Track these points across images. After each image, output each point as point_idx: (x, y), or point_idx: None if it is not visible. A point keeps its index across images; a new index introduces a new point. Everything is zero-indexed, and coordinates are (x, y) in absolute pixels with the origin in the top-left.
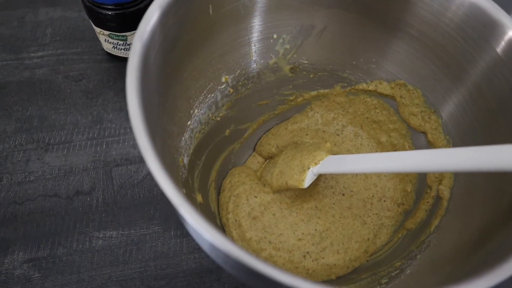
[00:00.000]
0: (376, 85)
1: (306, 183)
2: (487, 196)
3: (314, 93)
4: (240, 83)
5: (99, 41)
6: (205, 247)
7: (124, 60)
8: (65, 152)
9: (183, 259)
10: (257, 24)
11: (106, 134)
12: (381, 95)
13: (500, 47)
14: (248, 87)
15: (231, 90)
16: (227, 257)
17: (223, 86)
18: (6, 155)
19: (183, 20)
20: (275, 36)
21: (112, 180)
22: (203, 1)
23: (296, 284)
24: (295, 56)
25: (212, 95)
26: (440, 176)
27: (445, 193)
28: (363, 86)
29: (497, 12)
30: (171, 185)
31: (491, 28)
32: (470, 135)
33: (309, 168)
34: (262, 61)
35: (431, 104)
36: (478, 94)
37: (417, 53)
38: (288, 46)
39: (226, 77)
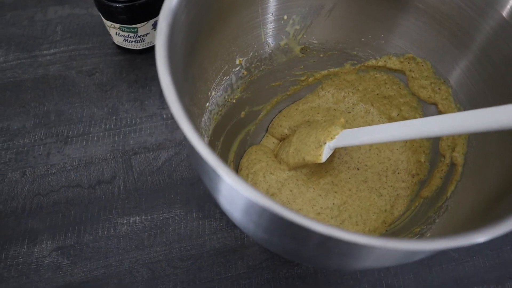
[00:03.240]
0: (385, 61)
1: (324, 158)
2: (500, 156)
3: (324, 72)
4: (253, 65)
5: (109, 35)
6: (238, 209)
7: (134, 53)
8: (84, 144)
9: (206, 240)
10: (267, 6)
11: (122, 125)
12: (390, 70)
13: (505, 11)
14: (261, 69)
15: (245, 72)
16: (264, 211)
17: (237, 69)
18: (27, 150)
19: (201, 2)
20: (285, 17)
21: (131, 168)
22: None
23: (333, 233)
24: (305, 36)
25: (228, 77)
26: (452, 144)
27: (459, 159)
28: (373, 62)
29: None
30: (206, 148)
31: None
32: (481, 101)
33: (325, 143)
34: (273, 42)
35: (440, 75)
36: (486, 59)
37: (425, 25)
38: (298, 27)
39: (240, 59)
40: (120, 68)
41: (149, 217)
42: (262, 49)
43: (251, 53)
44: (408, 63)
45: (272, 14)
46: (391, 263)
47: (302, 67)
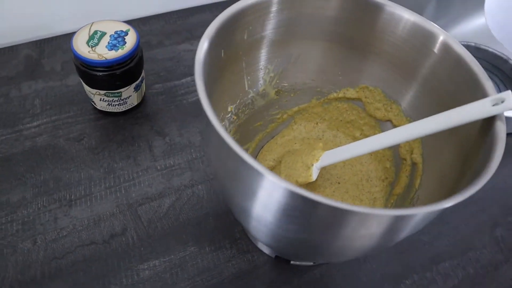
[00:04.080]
0: (344, 92)
1: (314, 176)
2: (448, 146)
3: (295, 108)
4: (240, 110)
5: (89, 102)
6: (275, 207)
7: (116, 115)
8: (88, 204)
9: (223, 268)
10: (250, 59)
11: (121, 181)
12: (349, 99)
13: (436, 48)
14: (246, 112)
15: (235, 117)
16: (301, 198)
17: (229, 115)
18: (33, 219)
19: (209, 61)
20: (262, 68)
21: (140, 218)
22: (218, 46)
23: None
24: (277, 81)
25: (223, 123)
26: (410, 149)
27: (418, 159)
28: (334, 95)
29: (430, 25)
30: (249, 156)
31: (428, 36)
32: (424, 112)
33: (313, 164)
34: (254, 89)
35: (390, 97)
36: (426, 83)
37: (374, 63)
38: (272, 74)
39: (231, 106)
40: (106, 131)
41: (167, 259)
42: (246, 96)
43: (238, 100)
44: (363, 91)
45: (252, 67)
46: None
47: (277, 107)
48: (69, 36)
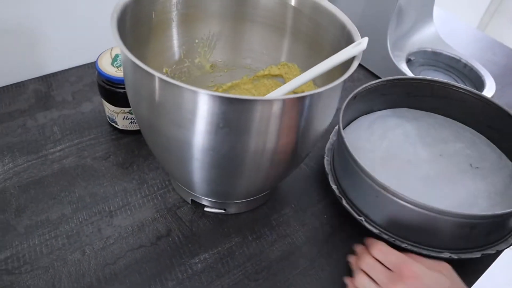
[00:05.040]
0: (269, 70)
1: None
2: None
3: (229, 84)
4: (176, 75)
5: (108, 125)
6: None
7: (136, 134)
8: (129, 213)
9: (269, 252)
10: (182, 31)
11: (155, 189)
12: (273, 76)
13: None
14: (182, 79)
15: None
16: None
17: (164, 76)
18: (77, 232)
19: (138, 15)
20: (196, 40)
21: (181, 219)
22: (148, 7)
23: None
24: (212, 56)
25: None
26: None
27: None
28: (261, 72)
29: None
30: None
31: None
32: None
33: None
34: (190, 59)
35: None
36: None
37: (289, 40)
38: (206, 49)
39: (166, 68)
40: (130, 147)
41: (215, 251)
42: (182, 64)
43: (174, 65)
44: (283, 68)
45: (186, 38)
46: None
47: (212, 80)
48: (74, 70)
